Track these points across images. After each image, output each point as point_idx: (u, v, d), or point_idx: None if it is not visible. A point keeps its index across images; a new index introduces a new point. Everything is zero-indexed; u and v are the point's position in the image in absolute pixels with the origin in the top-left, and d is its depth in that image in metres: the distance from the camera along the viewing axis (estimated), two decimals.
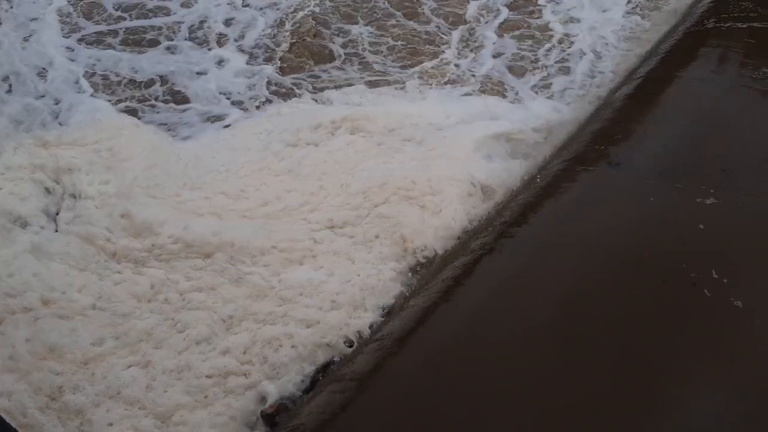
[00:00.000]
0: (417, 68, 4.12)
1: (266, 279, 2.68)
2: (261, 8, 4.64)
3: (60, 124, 3.57)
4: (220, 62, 4.12)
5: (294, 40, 4.31)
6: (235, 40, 4.32)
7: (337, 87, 3.93)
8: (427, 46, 4.32)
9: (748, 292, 2.11)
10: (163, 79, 3.95)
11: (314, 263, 2.75)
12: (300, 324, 2.49)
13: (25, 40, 4.22)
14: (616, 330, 2.03)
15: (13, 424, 1.95)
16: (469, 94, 3.89)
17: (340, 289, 2.62)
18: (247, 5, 4.67)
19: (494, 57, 4.21)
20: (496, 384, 1.91)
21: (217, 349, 2.43)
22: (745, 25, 3.67)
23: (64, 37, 4.28)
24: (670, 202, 2.47)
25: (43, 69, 3.99)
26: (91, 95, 3.80)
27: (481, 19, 4.60)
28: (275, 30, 4.41)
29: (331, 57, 4.20)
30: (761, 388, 1.87)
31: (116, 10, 4.53)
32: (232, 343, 2.44)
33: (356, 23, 4.53)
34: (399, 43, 4.35)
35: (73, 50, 4.16)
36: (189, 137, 3.54)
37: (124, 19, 4.46)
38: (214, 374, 2.35)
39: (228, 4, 4.68)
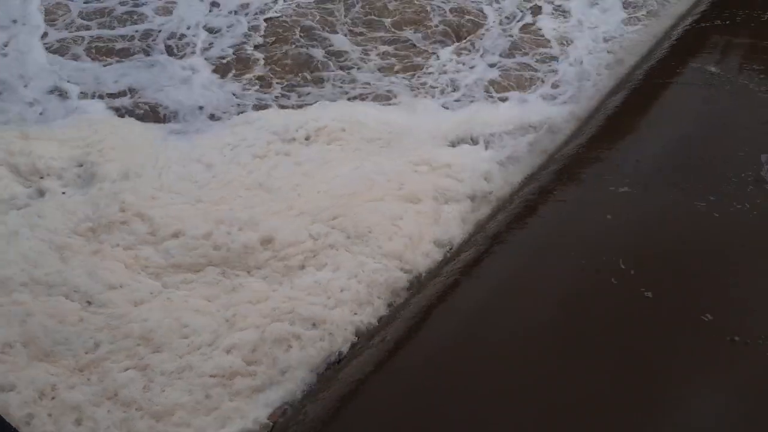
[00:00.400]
0: (405, 78, 4.01)
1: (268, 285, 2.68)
2: (234, 13, 4.51)
3: (45, 122, 3.55)
4: (192, 74, 3.99)
5: (271, 52, 4.19)
6: (206, 50, 4.19)
7: (317, 98, 3.80)
8: (419, 56, 4.22)
9: (749, 291, 2.11)
10: (132, 90, 3.85)
11: (316, 262, 2.75)
12: (306, 323, 2.49)
13: (5, 45, 4.15)
14: (616, 330, 2.03)
15: (13, 424, 1.95)
16: (461, 102, 3.83)
17: (346, 285, 2.62)
18: (221, 12, 4.54)
19: (490, 66, 4.15)
20: (496, 384, 1.91)
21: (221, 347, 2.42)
22: (740, 27, 3.68)
23: (44, 39, 4.22)
24: (670, 202, 2.47)
25: (28, 70, 3.94)
26: (77, 97, 3.77)
27: (481, 25, 4.55)
28: (252, 39, 4.29)
29: (312, 67, 4.09)
30: (761, 388, 1.87)
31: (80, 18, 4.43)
32: (238, 339, 2.43)
33: (337, 32, 4.39)
34: (386, 52, 4.23)
35: (55, 53, 4.11)
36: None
37: (88, 28, 4.35)
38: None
39: (202, 11, 4.53)
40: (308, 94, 3.87)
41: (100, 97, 3.81)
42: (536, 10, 4.71)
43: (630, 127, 3.03)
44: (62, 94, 3.81)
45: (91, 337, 2.44)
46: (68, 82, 3.89)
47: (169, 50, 4.21)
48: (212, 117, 3.70)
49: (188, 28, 4.40)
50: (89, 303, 2.57)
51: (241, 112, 3.71)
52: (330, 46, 4.27)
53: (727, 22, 3.78)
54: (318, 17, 4.52)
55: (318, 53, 4.20)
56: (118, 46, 4.21)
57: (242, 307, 2.56)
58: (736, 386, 1.89)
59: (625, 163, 2.74)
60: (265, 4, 4.63)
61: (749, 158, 2.64)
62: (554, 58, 4.24)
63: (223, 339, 2.44)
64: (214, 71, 4.03)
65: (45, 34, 4.26)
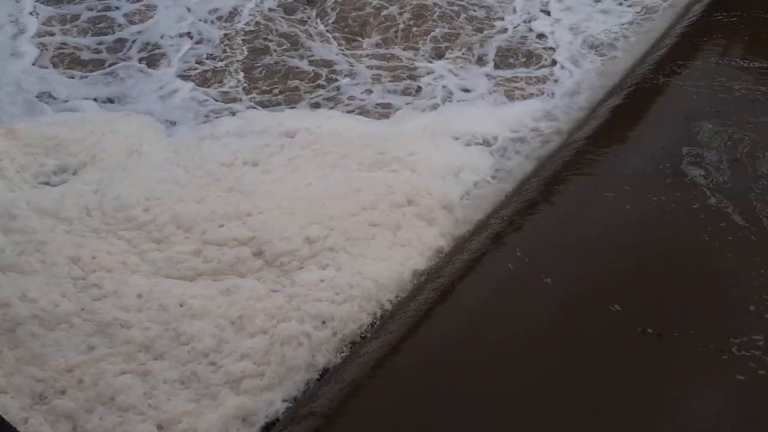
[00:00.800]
0: (396, 90, 3.92)
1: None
2: (206, 21, 4.43)
3: (31, 121, 3.52)
4: (165, 84, 3.91)
5: (246, 61, 4.11)
6: (180, 60, 4.10)
7: (291, 107, 3.72)
8: (413, 68, 4.13)
9: (748, 290, 2.11)
10: (105, 99, 3.79)
11: (316, 262, 2.73)
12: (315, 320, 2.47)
13: None
14: (616, 330, 2.03)
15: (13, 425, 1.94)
16: (456, 105, 3.79)
17: (353, 282, 2.61)
18: (192, 20, 4.45)
19: (487, 76, 4.07)
20: (496, 384, 1.91)
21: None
22: (738, 29, 3.70)
23: (37, 36, 4.20)
24: (670, 202, 2.47)
25: (14, 71, 3.92)
26: (64, 98, 3.76)
27: (481, 33, 4.52)
28: (226, 47, 4.21)
29: (289, 75, 4.00)
30: (761, 388, 1.87)
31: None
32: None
33: (328, 41, 4.31)
34: (377, 62, 4.14)
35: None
36: None
37: (52, 34, 4.27)
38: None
39: (174, 19, 4.45)
40: (280, 103, 3.79)
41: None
42: (539, 15, 4.69)
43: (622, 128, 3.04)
44: (49, 96, 3.78)
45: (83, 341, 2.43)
46: (53, 84, 3.86)
47: (142, 60, 4.11)
48: (188, 126, 3.61)
49: (161, 37, 4.30)
50: (82, 309, 2.55)
51: (213, 121, 3.62)
52: (311, 55, 4.19)
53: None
54: (289, 24, 4.44)
55: (294, 62, 4.12)
56: (89, 56, 4.12)
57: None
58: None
59: (625, 163, 2.75)
60: (235, 8, 4.55)
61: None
62: (551, 62, 4.24)
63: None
64: (190, 81, 3.94)
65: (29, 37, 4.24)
